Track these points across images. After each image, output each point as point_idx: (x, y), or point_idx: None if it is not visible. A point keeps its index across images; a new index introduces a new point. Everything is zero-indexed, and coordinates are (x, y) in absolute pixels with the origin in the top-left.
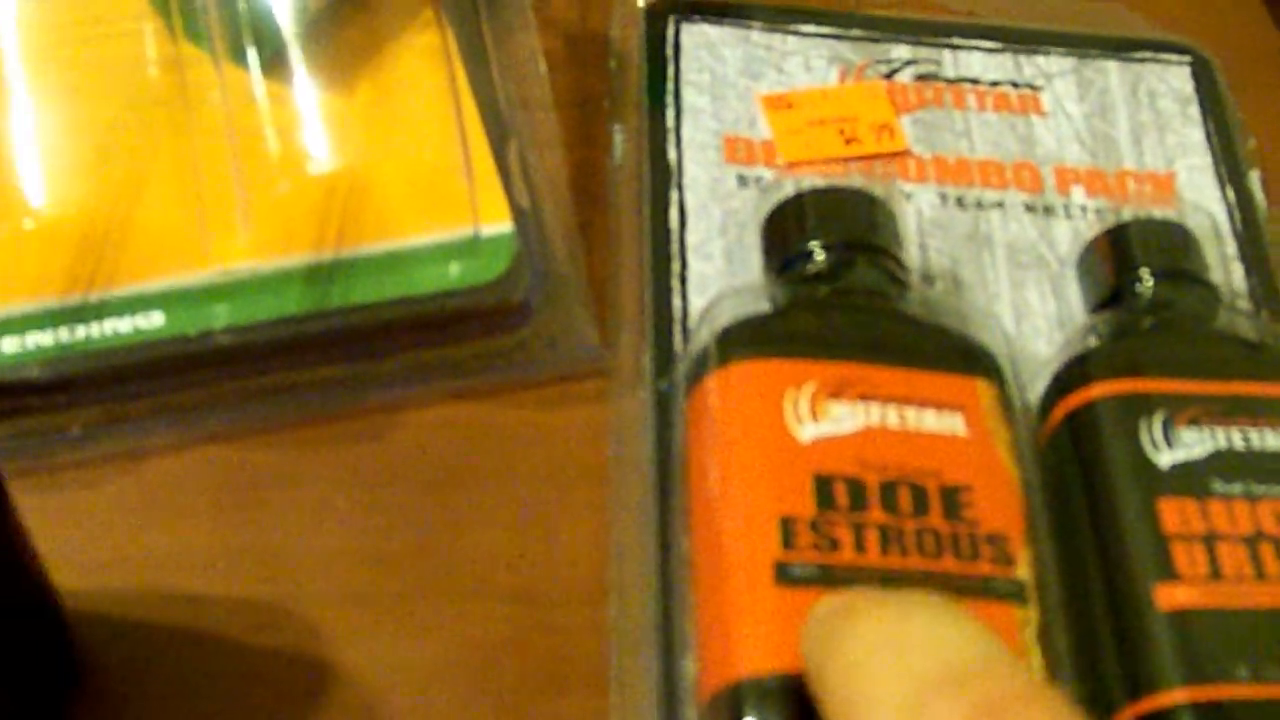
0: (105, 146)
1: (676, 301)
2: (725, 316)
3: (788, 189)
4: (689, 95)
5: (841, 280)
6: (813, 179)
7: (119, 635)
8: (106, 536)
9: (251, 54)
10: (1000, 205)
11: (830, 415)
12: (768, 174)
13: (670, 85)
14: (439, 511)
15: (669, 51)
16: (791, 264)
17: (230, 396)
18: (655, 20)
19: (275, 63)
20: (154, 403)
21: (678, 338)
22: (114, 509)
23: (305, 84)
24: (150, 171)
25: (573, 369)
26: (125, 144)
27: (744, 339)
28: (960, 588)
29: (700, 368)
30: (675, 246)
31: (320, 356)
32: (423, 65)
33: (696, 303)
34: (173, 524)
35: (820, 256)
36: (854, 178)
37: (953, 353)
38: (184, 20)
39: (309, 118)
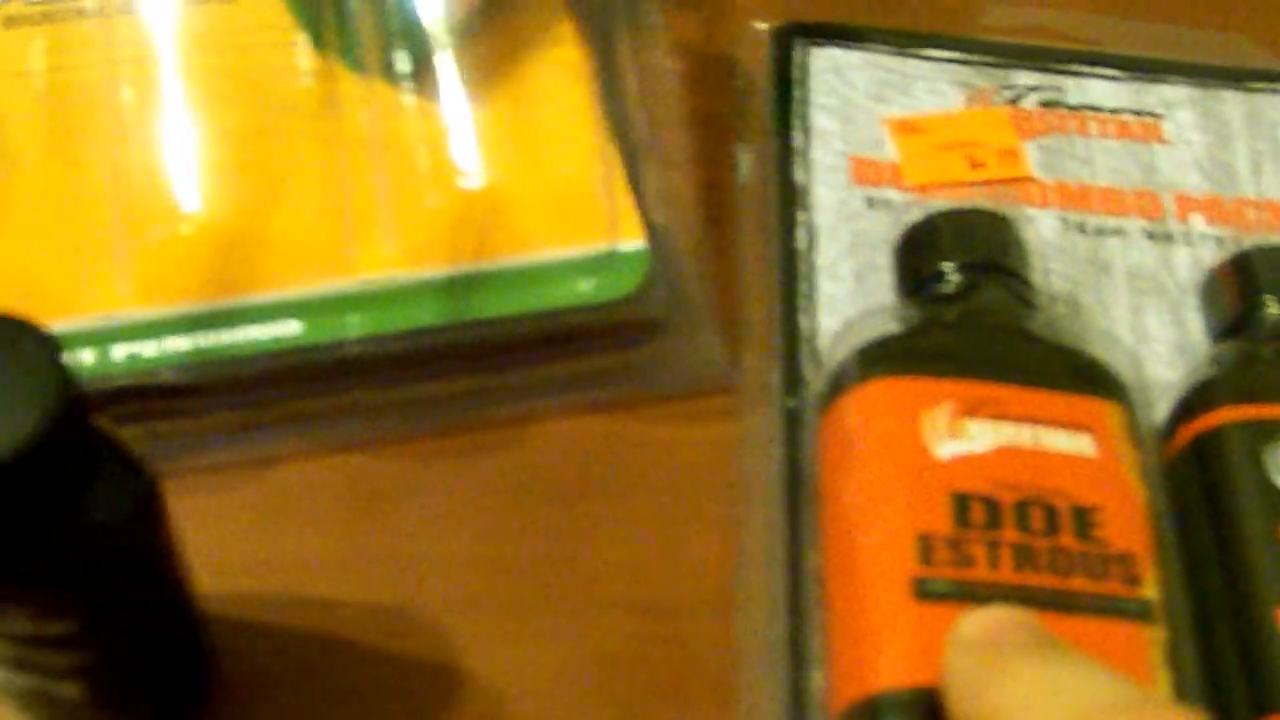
0: (254, 155)
1: (804, 321)
2: (860, 336)
3: (920, 212)
4: (817, 118)
5: (974, 301)
6: (941, 202)
7: (251, 637)
8: (239, 540)
9: (397, 67)
10: (1120, 232)
11: (967, 434)
12: (895, 196)
13: (798, 108)
14: (566, 522)
15: (796, 74)
16: (925, 285)
17: (362, 406)
18: (782, 43)
19: (418, 77)
20: (287, 410)
21: (806, 357)
22: (246, 513)
23: (448, 98)
24: (297, 181)
25: (699, 385)
26: (273, 153)
27: (883, 357)
28: (1090, 606)
29: (837, 386)
30: (803, 267)
31: (452, 368)
32: (560, 81)
33: (824, 323)
34: (304, 530)
35: (954, 277)
36: (979, 201)
37: (1082, 375)
38: (330, 33)
39: (454, 131)
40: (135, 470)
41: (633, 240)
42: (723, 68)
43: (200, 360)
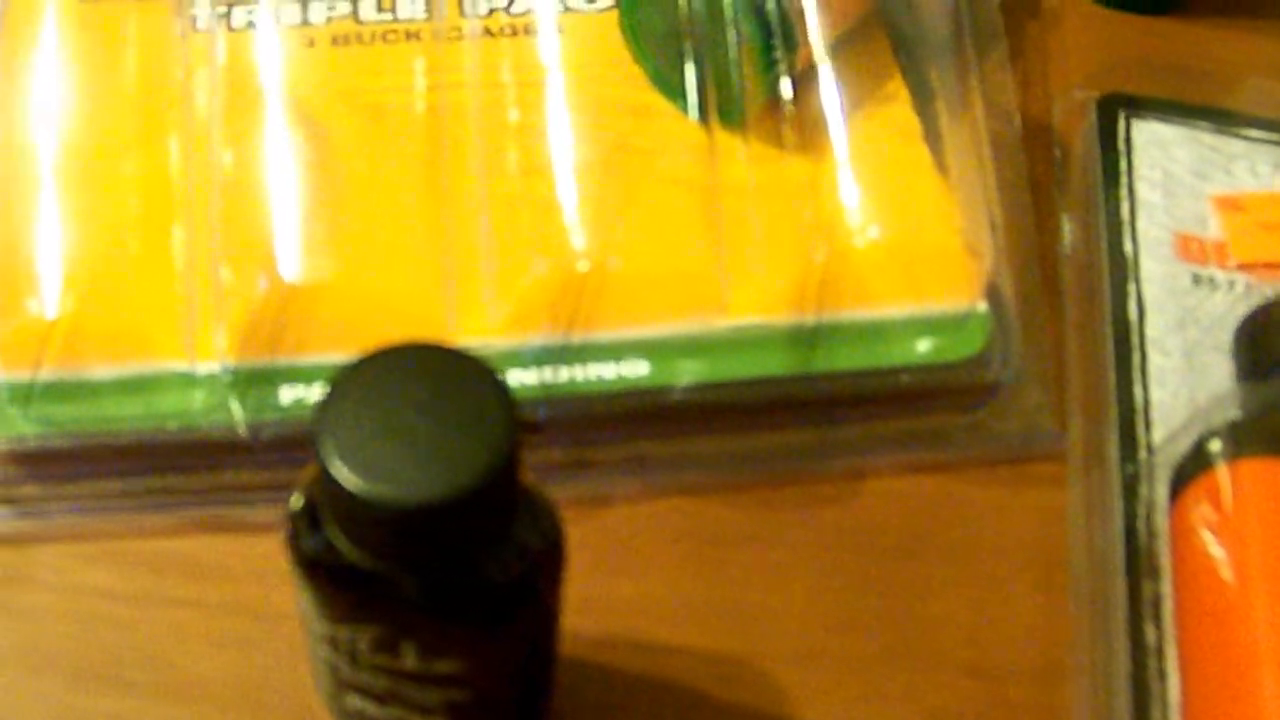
0: (625, 192)
1: (1138, 392)
2: (1209, 417)
3: (1260, 297)
4: (1143, 190)
5: None
6: (1270, 284)
7: (582, 676)
8: (572, 579)
9: (739, 114)
10: None
11: None
12: (1220, 274)
13: (1124, 179)
14: (898, 580)
15: (1120, 146)
16: (1275, 369)
17: (698, 452)
18: (1106, 113)
19: (743, 126)
20: (623, 451)
21: (1140, 428)
22: (579, 552)
23: (793, 147)
24: (672, 221)
25: (1029, 450)
26: (648, 193)
27: (1257, 437)
28: None
29: (1200, 465)
30: (1135, 338)
31: (789, 419)
32: (893, 138)
33: (1156, 394)
34: (636, 572)
35: None
36: None
37: None
38: (656, 72)
39: (839, 184)
40: (547, 512)
41: (975, 303)
42: (1040, 134)
43: (546, 395)
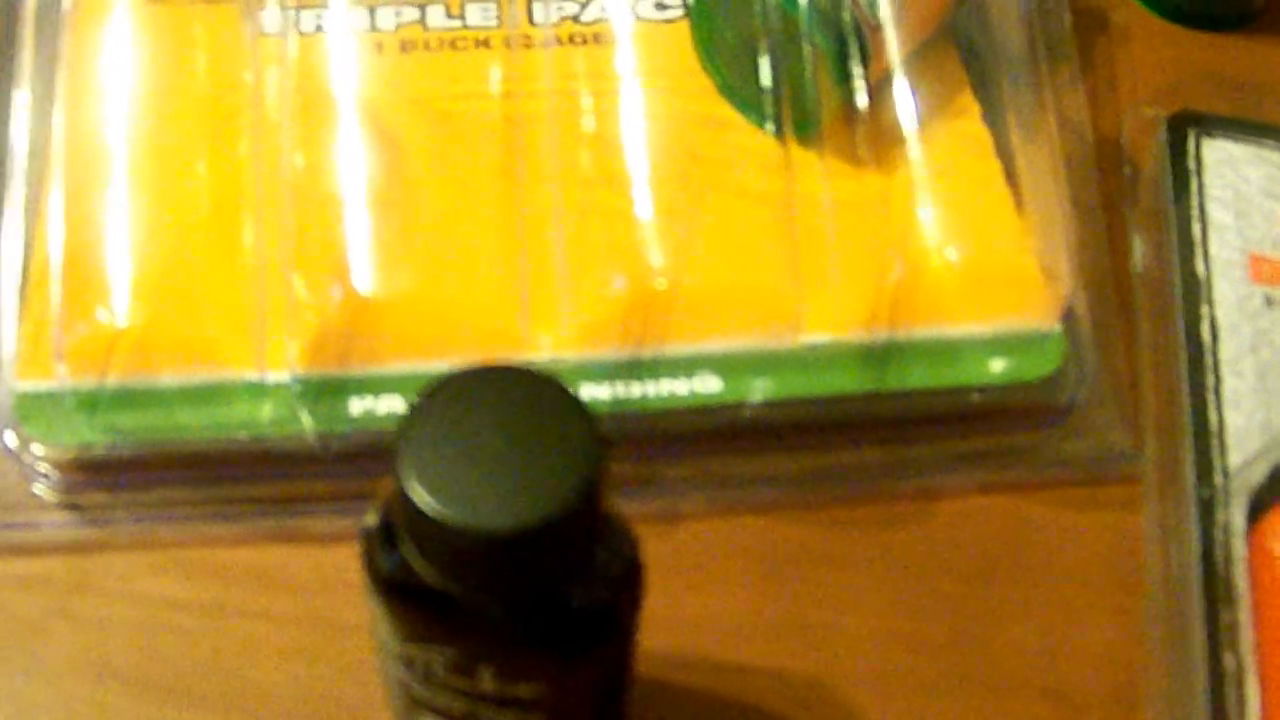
0: (699, 207)
1: (1213, 415)
2: None
3: None
4: (1214, 211)
5: None
6: None
7: (656, 696)
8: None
9: (812, 128)
10: None
11: None
12: None
13: (1194, 199)
14: (972, 602)
15: (1191, 164)
16: None
17: (768, 469)
18: (1176, 131)
19: (817, 139)
20: (693, 467)
21: (1215, 452)
22: (649, 570)
23: (865, 160)
24: (747, 236)
25: (1102, 472)
26: (725, 207)
27: None
28: None
29: (1277, 490)
30: (1209, 360)
31: (861, 438)
32: (965, 153)
33: (1231, 417)
34: (709, 590)
35: None
36: None
37: None
38: (726, 84)
39: (916, 198)
40: (627, 536)
41: (1050, 323)
42: (1110, 151)
43: (617, 410)
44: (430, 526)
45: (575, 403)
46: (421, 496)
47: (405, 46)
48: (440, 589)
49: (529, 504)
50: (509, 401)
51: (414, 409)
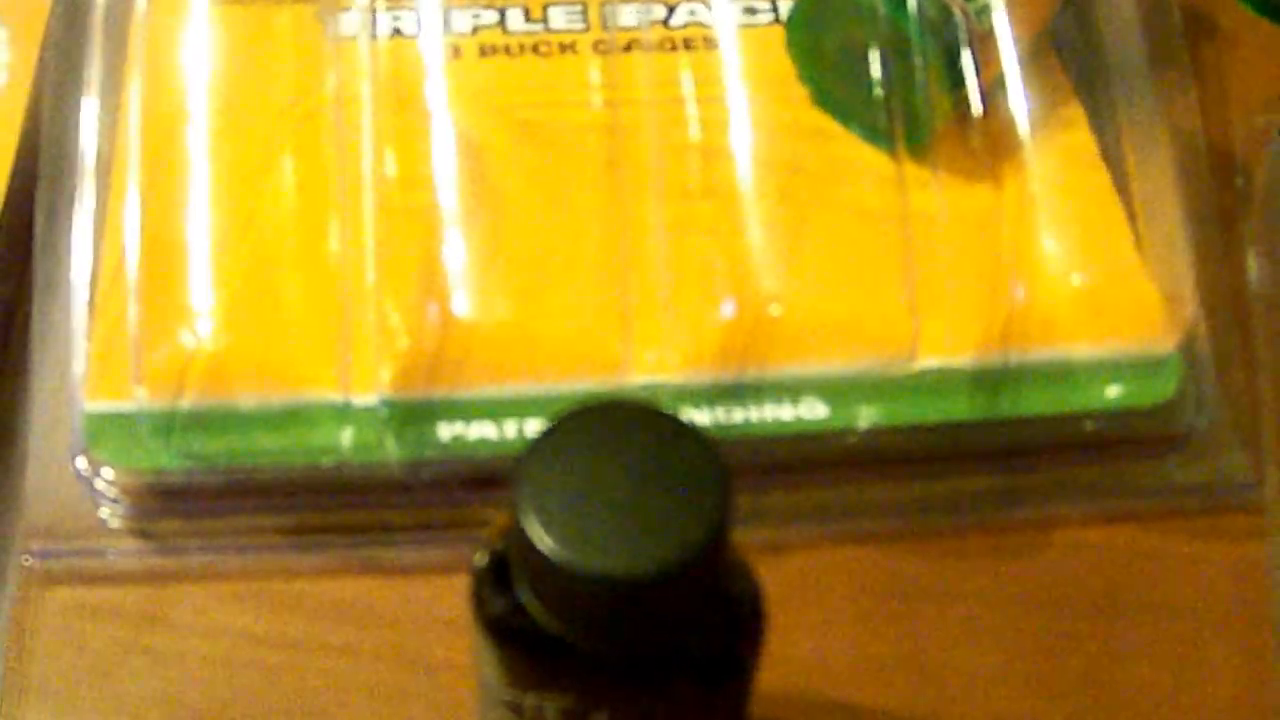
0: (806, 225)
1: None
2: None
3: None
4: None
5: None
6: None
7: None
8: None
9: (914, 138)
10: None
11: None
12: None
13: None
14: (1090, 639)
15: None
16: None
17: (877, 499)
18: None
19: (927, 151)
20: (798, 497)
21: None
22: None
23: (965, 174)
24: (857, 255)
25: (1223, 501)
26: (832, 226)
27: None
28: None
29: None
30: None
31: (971, 466)
32: (1076, 165)
33: None
34: (816, 626)
35: None
36: None
37: None
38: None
39: (982, 213)
40: (748, 577)
41: (1166, 346)
42: (1222, 162)
43: (720, 437)
44: (550, 570)
45: (701, 441)
46: (542, 538)
47: (484, 51)
48: (557, 634)
49: (656, 548)
50: (632, 439)
51: (533, 446)
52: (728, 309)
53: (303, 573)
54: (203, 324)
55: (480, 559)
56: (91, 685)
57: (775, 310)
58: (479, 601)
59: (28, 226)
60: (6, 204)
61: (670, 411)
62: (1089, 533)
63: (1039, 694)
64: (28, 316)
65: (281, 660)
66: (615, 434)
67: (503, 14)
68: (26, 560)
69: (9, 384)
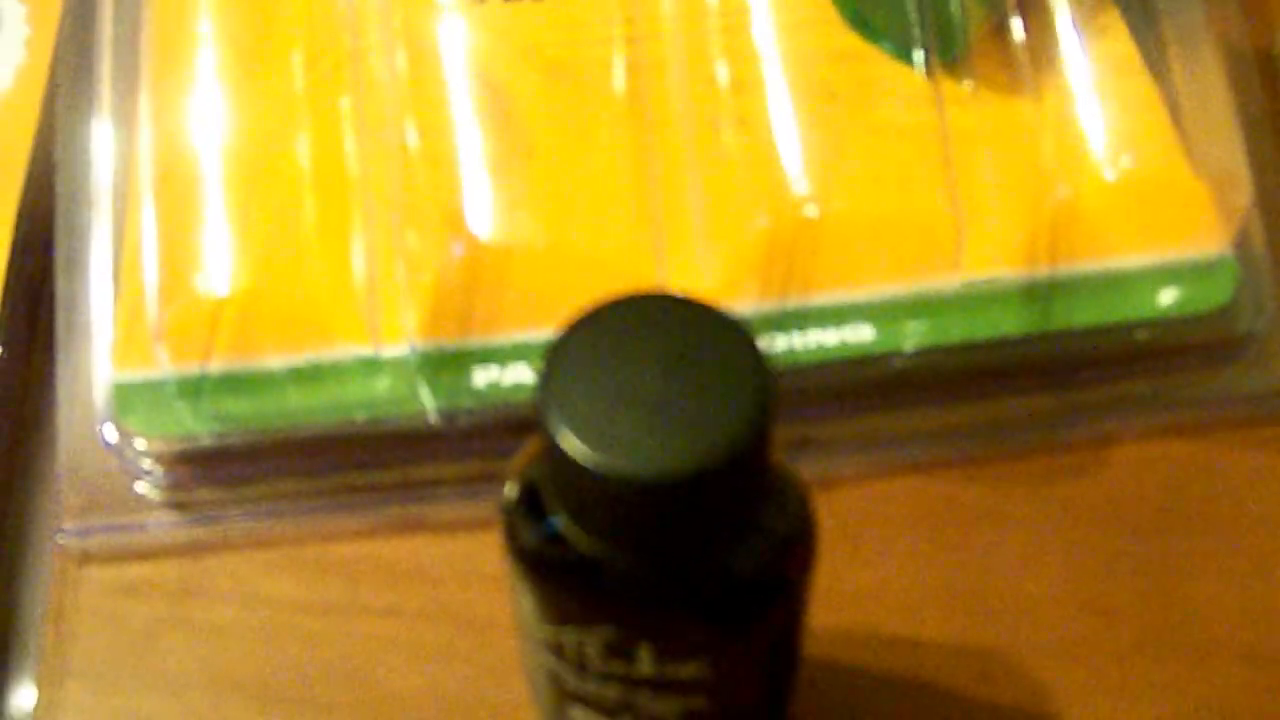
0: (848, 140)
1: None
2: None
3: None
4: None
5: None
6: None
7: (824, 677)
8: None
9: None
10: None
11: None
12: None
13: None
14: (1158, 558)
15: None
16: None
17: (928, 425)
18: None
19: (963, 65)
20: (847, 426)
21: None
22: None
23: (1002, 87)
24: (901, 171)
25: None
26: (872, 143)
27: None
28: None
29: None
30: None
31: (1023, 385)
32: (1118, 72)
33: None
34: (871, 559)
35: None
36: None
37: None
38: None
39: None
40: (795, 492)
41: (1218, 248)
42: (1266, 66)
43: None
44: (584, 480)
45: (740, 332)
46: (573, 444)
47: None
48: (595, 558)
49: (694, 448)
50: (665, 333)
51: (556, 348)
52: (762, 219)
53: (341, 535)
54: (219, 270)
55: (510, 490)
56: (132, 662)
57: (811, 211)
58: (511, 536)
59: (49, 202)
60: (28, 182)
61: (701, 301)
62: (1148, 448)
63: (1103, 615)
64: (52, 295)
65: (323, 626)
66: (645, 328)
67: None
68: (62, 539)
69: (40, 362)
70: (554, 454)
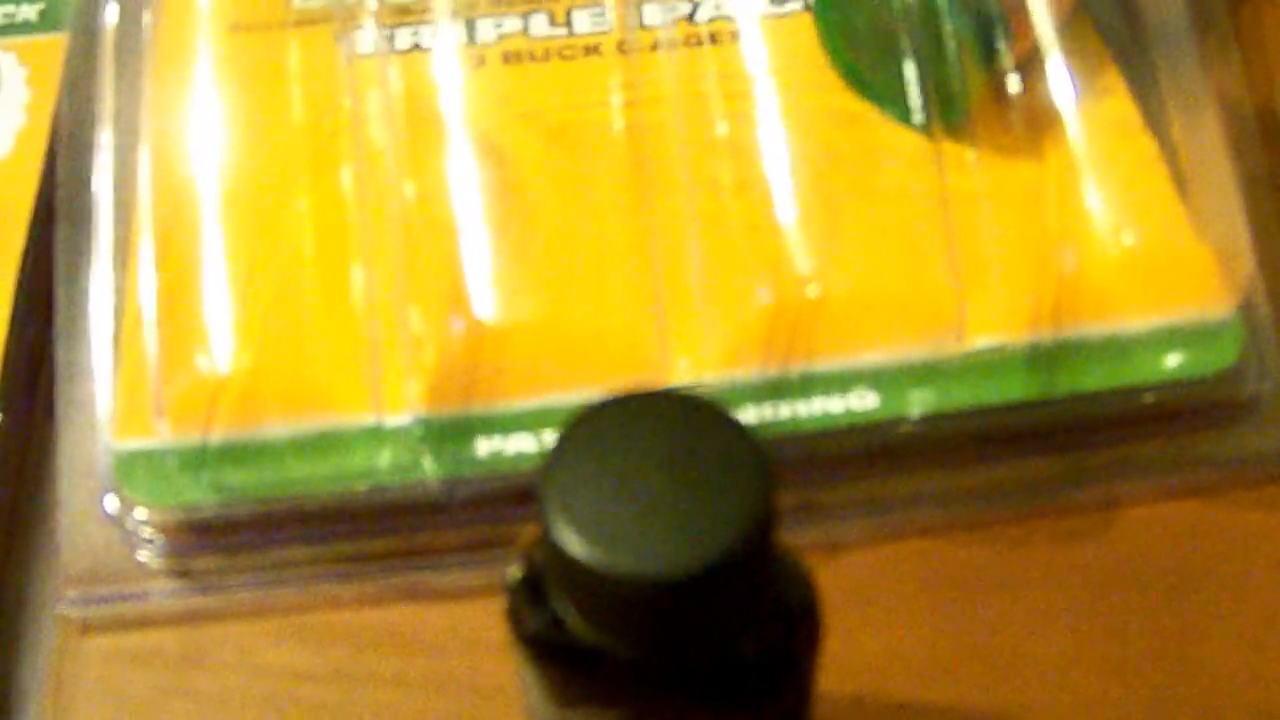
0: (847, 210)
1: None
2: None
3: None
4: None
5: None
6: None
7: None
8: None
9: (946, 117)
10: None
11: None
12: None
13: None
14: (1166, 618)
15: None
16: None
17: (934, 489)
18: None
19: (964, 128)
20: (852, 491)
21: None
22: None
23: (1004, 150)
24: (901, 238)
25: None
26: (874, 212)
27: None
28: None
29: None
30: None
31: (1029, 449)
32: (1118, 133)
33: None
34: (880, 624)
35: None
36: None
37: None
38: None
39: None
40: (798, 572)
41: (1223, 311)
42: (1269, 124)
43: (767, 434)
44: (584, 576)
45: (739, 429)
46: (572, 542)
47: (509, 58)
48: (597, 646)
49: (696, 546)
50: (665, 431)
51: (558, 445)
52: (764, 295)
53: (345, 603)
54: (221, 349)
55: (514, 573)
56: None
57: (813, 291)
58: (515, 618)
59: (50, 269)
60: (28, 247)
61: (700, 398)
62: (1156, 510)
63: (1115, 677)
64: (52, 363)
65: (328, 695)
66: (645, 426)
67: (526, 20)
68: (63, 608)
69: (40, 431)
70: (555, 550)
